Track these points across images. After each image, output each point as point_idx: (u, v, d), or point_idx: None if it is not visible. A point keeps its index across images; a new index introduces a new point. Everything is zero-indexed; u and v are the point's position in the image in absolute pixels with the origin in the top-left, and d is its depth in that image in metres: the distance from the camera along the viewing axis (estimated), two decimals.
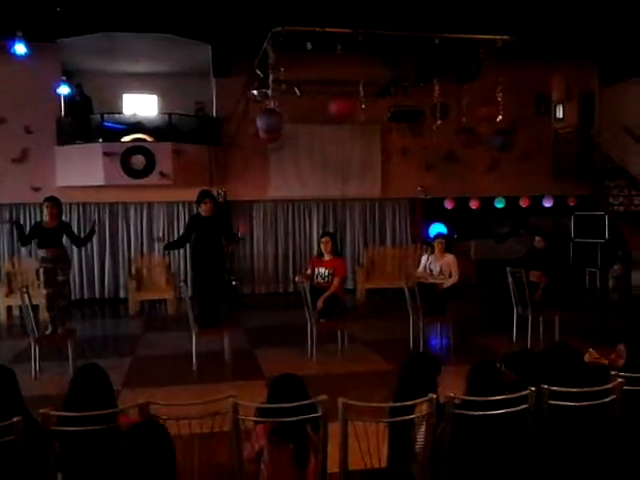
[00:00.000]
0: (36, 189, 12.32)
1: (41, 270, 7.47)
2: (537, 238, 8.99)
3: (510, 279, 8.62)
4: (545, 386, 3.20)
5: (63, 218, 11.08)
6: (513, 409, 3.21)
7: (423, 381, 3.43)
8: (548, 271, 8.60)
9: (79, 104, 12.60)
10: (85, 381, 3.20)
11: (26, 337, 9.66)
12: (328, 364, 7.63)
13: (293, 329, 9.82)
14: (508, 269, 8.68)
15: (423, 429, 3.28)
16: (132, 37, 11.76)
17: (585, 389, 3.24)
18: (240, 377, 6.98)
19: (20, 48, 9.35)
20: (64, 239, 7.70)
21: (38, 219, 12.49)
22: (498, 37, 9.18)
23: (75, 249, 11.68)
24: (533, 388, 3.19)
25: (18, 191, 12.21)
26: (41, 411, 2.92)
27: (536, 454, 3.27)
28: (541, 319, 8.67)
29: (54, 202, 7.64)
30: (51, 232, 7.45)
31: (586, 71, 14.48)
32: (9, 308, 11.29)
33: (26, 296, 7.23)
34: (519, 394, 3.19)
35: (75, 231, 12.24)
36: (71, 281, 12.66)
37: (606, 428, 3.30)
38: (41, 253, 7.46)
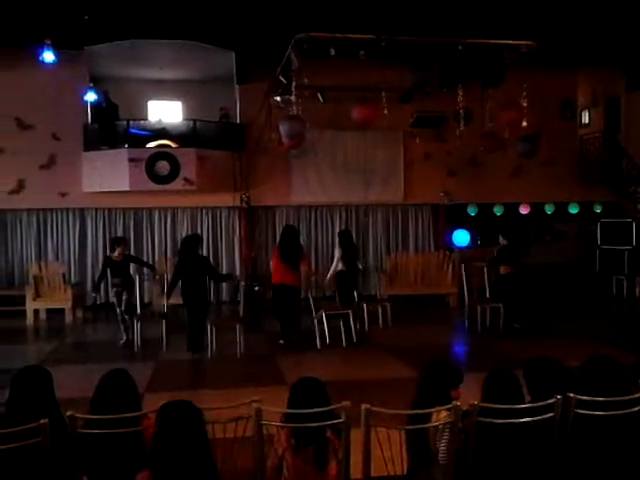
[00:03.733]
0: (63, 194, 12.55)
1: (113, 293, 9.79)
2: (501, 238, 10.39)
3: (464, 272, 10.30)
4: (571, 394, 3.15)
5: (89, 224, 11.86)
6: (538, 418, 3.17)
7: (440, 391, 3.41)
8: (514, 263, 9.99)
9: (105, 111, 12.77)
10: (111, 385, 3.24)
11: (52, 340, 9.90)
12: (351, 370, 7.62)
13: (315, 335, 9.83)
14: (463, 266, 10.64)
15: (446, 437, 3.26)
16: (157, 44, 11.91)
17: (612, 398, 3.19)
18: (262, 383, 6.99)
19: (49, 56, 9.52)
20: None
21: (64, 224, 12.82)
22: (522, 42, 9.11)
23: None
24: (559, 396, 3.15)
25: (45, 197, 12.43)
26: (68, 413, 2.96)
27: (562, 464, 3.22)
28: (488, 309, 9.93)
29: (125, 243, 10.22)
30: (120, 264, 9.54)
31: (612, 76, 14.29)
32: (36, 311, 11.45)
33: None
34: (545, 402, 3.15)
35: (101, 235, 12.72)
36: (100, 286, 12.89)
37: (633, 439, 3.24)
38: (113, 280, 9.68)
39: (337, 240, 10.32)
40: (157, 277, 10.96)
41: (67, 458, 3.04)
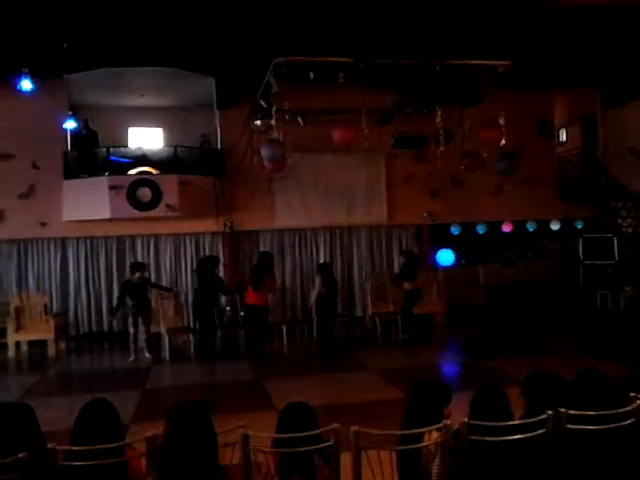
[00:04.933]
0: (43, 224, 12.40)
1: (130, 313, 10.34)
2: (401, 257, 11.84)
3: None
4: (562, 409, 3.12)
5: (71, 253, 12.80)
6: (529, 434, 3.13)
7: (431, 409, 3.36)
8: (414, 278, 11.11)
9: (85, 138, 12.70)
10: (92, 415, 3.13)
11: (35, 372, 9.73)
12: (339, 393, 7.54)
13: (302, 358, 9.76)
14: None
15: (438, 458, 3.20)
16: (137, 72, 11.95)
17: (603, 412, 3.17)
18: (249, 408, 6.88)
19: (26, 84, 9.48)
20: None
21: (45, 254, 12.64)
22: (499, 62, 9.23)
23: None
24: (550, 412, 3.12)
25: (25, 226, 12.25)
26: (49, 446, 2.87)
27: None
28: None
29: (144, 268, 10.85)
30: (138, 287, 10.23)
31: (588, 94, 14.57)
32: (17, 343, 11.23)
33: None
34: (536, 418, 3.12)
35: (83, 263, 12.57)
36: (79, 315, 12.77)
37: (626, 452, 3.21)
38: (131, 302, 10.22)
39: (317, 270, 11.21)
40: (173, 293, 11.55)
41: None
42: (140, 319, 10.31)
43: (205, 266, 10.48)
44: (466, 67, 9.23)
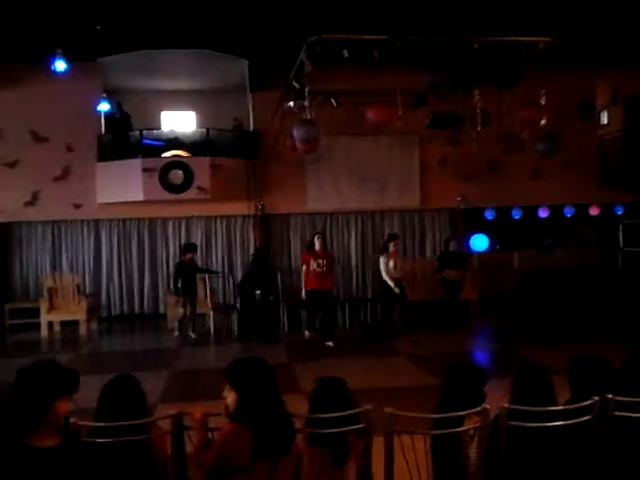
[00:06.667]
0: (77, 206, 12.51)
1: (182, 294, 10.57)
2: (452, 242, 11.31)
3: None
4: (609, 395, 2.94)
5: (104, 235, 13.02)
6: (573, 421, 2.96)
7: (468, 393, 3.20)
8: (464, 267, 11.11)
9: (119, 121, 12.74)
10: (116, 392, 3.06)
11: (67, 352, 9.83)
12: (371, 378, 7.40)
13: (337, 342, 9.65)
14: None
15: (475, 444, 3.05)
16: (170, 54, 11.88)
17: None
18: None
19: (60, 65, 9.50)
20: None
21: (79, 236, 12.78)
22: (540, 39, 8.88)
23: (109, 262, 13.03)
24: (597, 397, 2.93)
25: (59, 208, 12.39)
26: (71, 421, 2.80)
27: (600, 471, 3.01)
28: None
29: (196, 249, 11.30)
30: (189, 269, 10.66)
31: (631, 75, 14.00)
32: (50, 324, 11.37)
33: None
34: (581, 404, 2.94)
35: (115, 245, 12.64)
36: (111, 297, 12.91)
37: None
38: (181, 283, 10.54)
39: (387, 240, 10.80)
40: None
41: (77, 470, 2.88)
42: (188, 300, 10.59)
43: (261, 256, 11.14)
44: (505, 44, 8.89)
